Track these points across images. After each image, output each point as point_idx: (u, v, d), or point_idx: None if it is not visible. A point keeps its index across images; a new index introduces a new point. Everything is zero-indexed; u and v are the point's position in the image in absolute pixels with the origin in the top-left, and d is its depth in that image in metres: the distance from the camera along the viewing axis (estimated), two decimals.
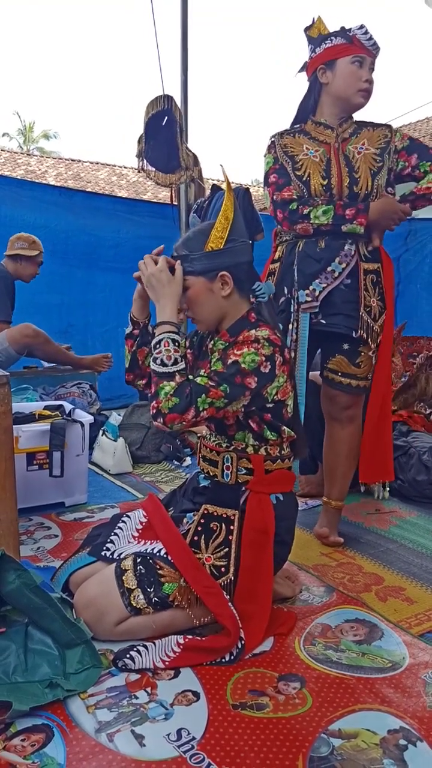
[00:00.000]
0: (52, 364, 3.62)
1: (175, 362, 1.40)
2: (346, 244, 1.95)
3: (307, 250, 1.97)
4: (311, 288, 1.96)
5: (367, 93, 1.97)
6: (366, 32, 1.92)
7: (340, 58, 1.93)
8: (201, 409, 1.36)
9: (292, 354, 1.94)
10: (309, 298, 1.96)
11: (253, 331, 1.46)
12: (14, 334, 3.07)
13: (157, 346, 1.43)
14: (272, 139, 2.04)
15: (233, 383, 1.38)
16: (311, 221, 1.91)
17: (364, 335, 1.98)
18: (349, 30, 1.92)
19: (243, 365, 1.39)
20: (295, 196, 1.93)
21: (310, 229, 1.93)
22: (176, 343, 1.43)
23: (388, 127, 2.07)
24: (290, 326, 1.99)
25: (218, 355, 1.46)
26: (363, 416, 2.14)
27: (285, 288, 2.01)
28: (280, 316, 1.96)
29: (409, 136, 2.05)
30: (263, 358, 1.41)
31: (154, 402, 1.38)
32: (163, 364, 1.40)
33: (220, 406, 1.39)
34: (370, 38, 1.92)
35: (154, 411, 1.37)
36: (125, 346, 1.68)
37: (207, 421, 1.44)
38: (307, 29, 2.02)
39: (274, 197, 1.96)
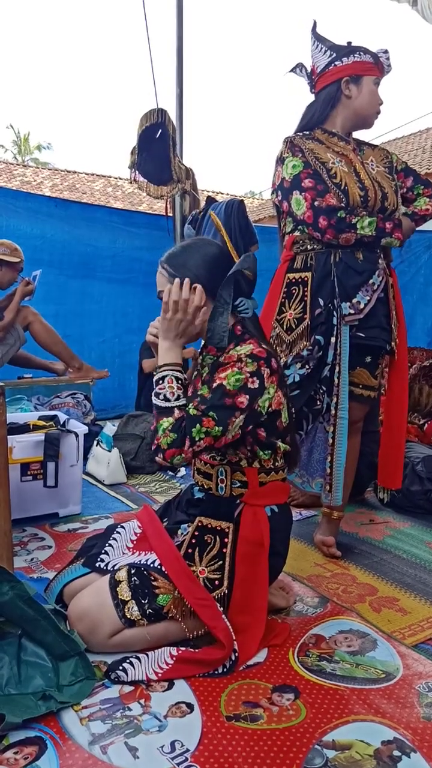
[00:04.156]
0: (47, 375, 3.62)
1: (177, 398, 1.43)
2: (379, 258, 1.96)
3: (347, 261, 1.92)
4: (355, 300, 1.92)
5: (378, 116, 2.01)
6: (388, 57, 1.96)
7: (366, 75, 1.94)
8: (197, 439, 1.37)
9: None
10: (352, 311, 1.92)
11: (236, 350, 1.46)
12: (20, 311, 3.40)
13: (161, 381, 1.45)
14: (294, 142, 1.96)
15: (221, 407, 1.37)
16: (357, 231, 1.87)
17: (395, 347, 2.02)
18: (376, 51, 1.96)
19: (228, 387, 1.39)
20: (343, 204, 1.87)
21: (352, 239, 1.88)
22: (179, 381, 1.45)
23: (384, 149, 2.11)
24: (333, 339, 1.93)
25: (207, 369, 1.47)
26: (375, 424, 2.18)
27: (321, 300, 1.94)
28: (320, 328, 1.93)
29: (402, 160, 2.13)
30: (248, 375, 1.40)
31: (155, 439, 1.40)
32: (166, 399, 1.43)
33: (216, 434, 1.37)
34: (390, 65, 1.96)
35: (155, 447, 1.40)
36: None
37: (206, 451, 1.43)
38: (315, 31, 1.98)
39: (315, 203, 1.86)
